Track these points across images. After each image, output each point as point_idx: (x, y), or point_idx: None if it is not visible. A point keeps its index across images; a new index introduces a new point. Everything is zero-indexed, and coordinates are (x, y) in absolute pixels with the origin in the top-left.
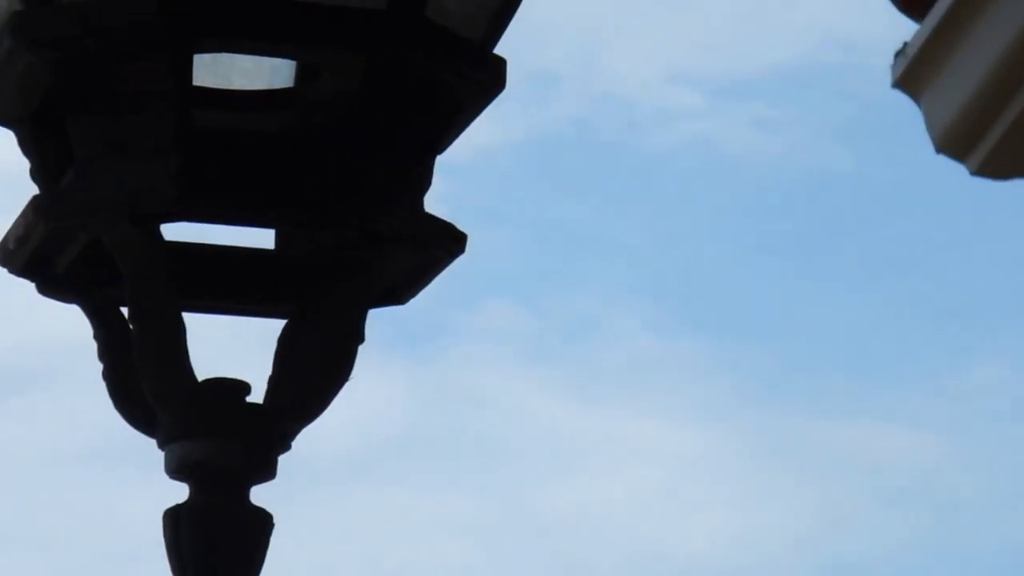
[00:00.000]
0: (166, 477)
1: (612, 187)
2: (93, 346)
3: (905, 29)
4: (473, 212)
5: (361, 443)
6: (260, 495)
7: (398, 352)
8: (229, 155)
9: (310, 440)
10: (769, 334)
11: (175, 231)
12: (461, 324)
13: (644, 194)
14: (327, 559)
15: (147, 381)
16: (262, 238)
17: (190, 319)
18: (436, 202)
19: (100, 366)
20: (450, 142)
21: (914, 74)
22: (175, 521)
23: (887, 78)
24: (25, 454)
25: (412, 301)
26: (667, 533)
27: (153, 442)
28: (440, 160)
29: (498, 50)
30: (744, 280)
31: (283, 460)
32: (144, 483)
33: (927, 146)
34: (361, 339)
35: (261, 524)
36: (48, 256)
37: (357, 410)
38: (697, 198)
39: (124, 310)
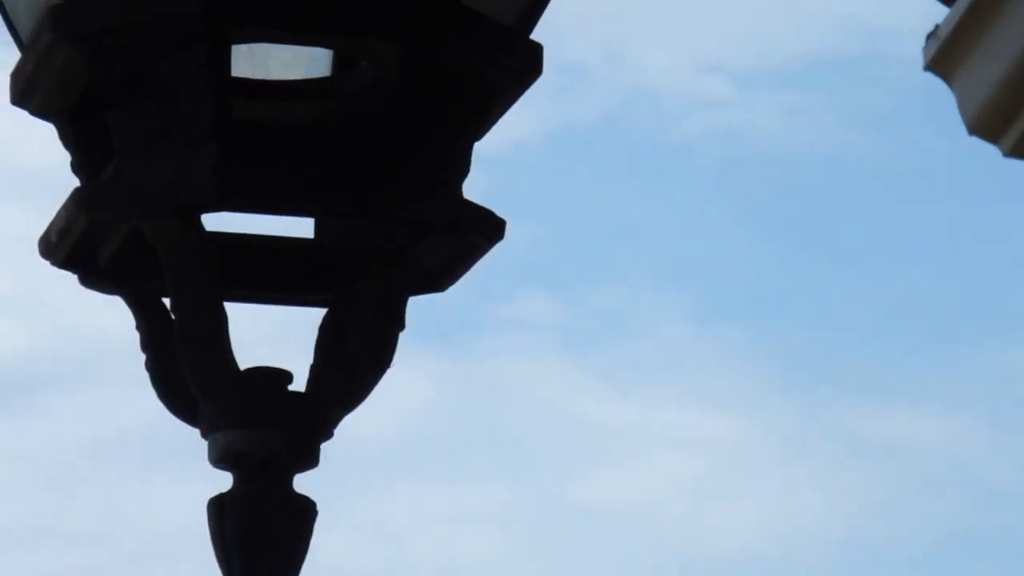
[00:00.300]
0: (210, 466)
1: (642, 177)
2: (135, 338)
3: (933, 15)
4: (503, 204)
5: (394, 434)
6: (303, 483)
7: (431, 344)
8: (268, 145)
9: (348, 430)
10: (802, 321)
11: (215, 221)
12: (493, 316)
13: (674, 184)
14: (361, 548)
15: (189, 371)
16: (301, 227)
17: (231, 309)
18: (467, 194)
19: (143, 357)
20: (487, 129)
21: (946, 56)
22: (219, 510)
23: (918, 63)
24: (68, 446)
25: (445, 292)
26: (704, 522)
27: (196, 432)
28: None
29: None
30: (776, 267)
31: (325, 448)
32: (188, 473)
33: (959, 129)
34: (402, 326)
35: (304, 512)
36: (90, 248)
37: (389, 401)
38: (727, 187)
39: (166, 301)
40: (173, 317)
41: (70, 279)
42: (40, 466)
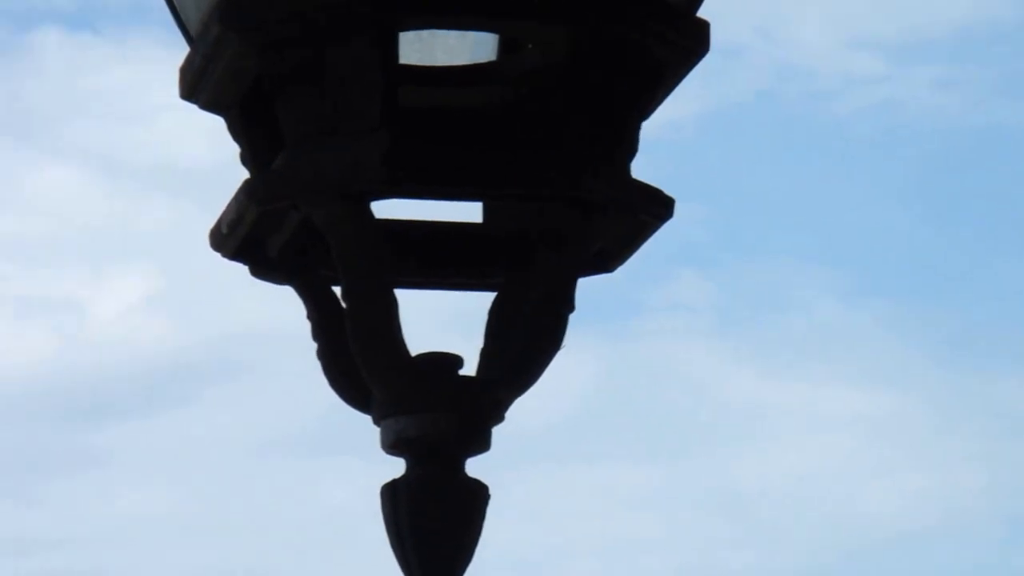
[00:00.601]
0: (383, 453)
1: (796, 156)
2: (306, 327)
3: None
4: (659, 184)
5: (560, 416)
6: (475, 467)
7: (592, 325)
8: (436, 131)
9: (517, 413)
10: (952, 296)
11: (385, 208)
12: (651, 297)
13: (827, 161)
14: (529, 531)
15: (361, 358)
16: (470, 212)
17: (401, 295)
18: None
19: (314, 346)
20: (655, 107)
21: None
22: (393, 495)
23: None
24: (242, 438)
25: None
26: (862, 499)
27: (369, 419)
28: None
29: None
30: (930, 241)
31: (496, 431)
32: (361, 460)
33: None
34: (572, 308)
35: (477, 495)
36: (260, 239)
37: (556, 383)
38: (880, 163)
39: (336, 289)
40: (344, 305)
41: (240, 271)
42: (214, 458)
